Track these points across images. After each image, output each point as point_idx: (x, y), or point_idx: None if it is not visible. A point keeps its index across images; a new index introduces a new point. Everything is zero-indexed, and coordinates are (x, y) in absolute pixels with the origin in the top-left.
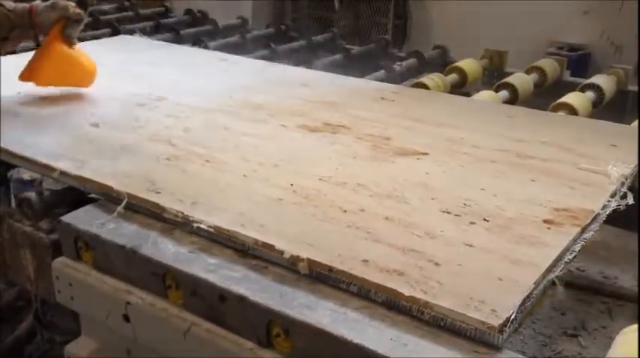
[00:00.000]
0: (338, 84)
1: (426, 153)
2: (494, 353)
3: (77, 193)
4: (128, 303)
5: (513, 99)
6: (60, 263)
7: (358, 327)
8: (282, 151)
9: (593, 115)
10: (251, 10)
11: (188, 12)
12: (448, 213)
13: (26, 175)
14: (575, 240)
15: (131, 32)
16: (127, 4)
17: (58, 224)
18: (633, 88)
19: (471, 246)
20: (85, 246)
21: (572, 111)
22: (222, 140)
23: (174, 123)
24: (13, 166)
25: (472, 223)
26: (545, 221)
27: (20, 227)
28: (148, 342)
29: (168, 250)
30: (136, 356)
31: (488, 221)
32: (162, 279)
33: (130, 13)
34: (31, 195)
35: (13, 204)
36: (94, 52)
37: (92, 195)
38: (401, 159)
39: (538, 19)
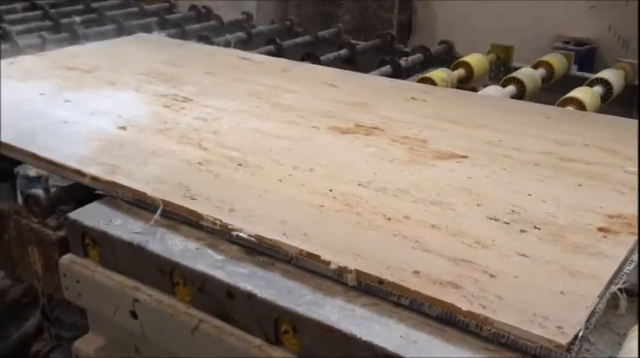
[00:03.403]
0: (365, 83)
1: (466, 156)
2: (503, 351)
3: (83, 189)
4: (136, 300)
5: (521, 94)
6: (67, 260)
7: (366, 324)
8: (316, 154)
9: (602, 110)
10: (255, 6)
11: (193, 8)
12: (496, 220)
13: (32, 171)
14: (632, 250)
15: (138, 28)
16: (131, 0)
17: (65, 220)
18: None
19: (525, 256)
20: (92, 242)
21: (580, 105)
22: (254, 143)
23: (202, 125)
24: (20, 162)
25: (523, 231)
26: (599, 229)
27: (27, 224)
28: (155, 339)
29: (175, 246)
30: (143, 352)
31: (539, 229)
32: (170, 276)
33: (134, 9)
34: (38, 191)
35: (20, 200)
36: (113, 51)
37: (98, 192)
38: (440, 163)
39: (544, 13)
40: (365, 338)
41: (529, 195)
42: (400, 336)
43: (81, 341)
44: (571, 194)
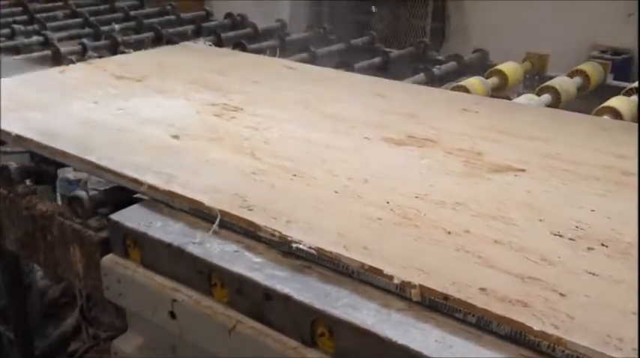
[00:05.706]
0: (414, 93)
1: (523, 170)
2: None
3: (123, 192)
4: (174, 300)
5: (556, 102)
6: (109, 260)
7: (402, 328)
8: (370, 165)
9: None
10: (289, 13)
11: (228, 15)
12: (560, 236)
13: (71, 175)
14: None
15: (176, 36)
16: (168, 8)
17: (108, 222)
18: None
19: (594, 274)
20: (133, 243)
21: (616, 115)
22: (306, 153)
23: (253, 134)
24: (63, 165)
25: (590, 248)
26: None
27: (70, 225)
28: (193, 339)
29: (214, 249)
30: (181, 352)
31: (607, 246)
32: (208, 277)
33: (172, 17)
34: (82, 193)
35: (59, 202)
36: (160, 59)
37: (138, 195)
38: (497, 176)
39: (580, 21)
40: (400, 341)
41: (592, 210)
42: (436, 341)
43: (119, 340)
44: (636, 210)
